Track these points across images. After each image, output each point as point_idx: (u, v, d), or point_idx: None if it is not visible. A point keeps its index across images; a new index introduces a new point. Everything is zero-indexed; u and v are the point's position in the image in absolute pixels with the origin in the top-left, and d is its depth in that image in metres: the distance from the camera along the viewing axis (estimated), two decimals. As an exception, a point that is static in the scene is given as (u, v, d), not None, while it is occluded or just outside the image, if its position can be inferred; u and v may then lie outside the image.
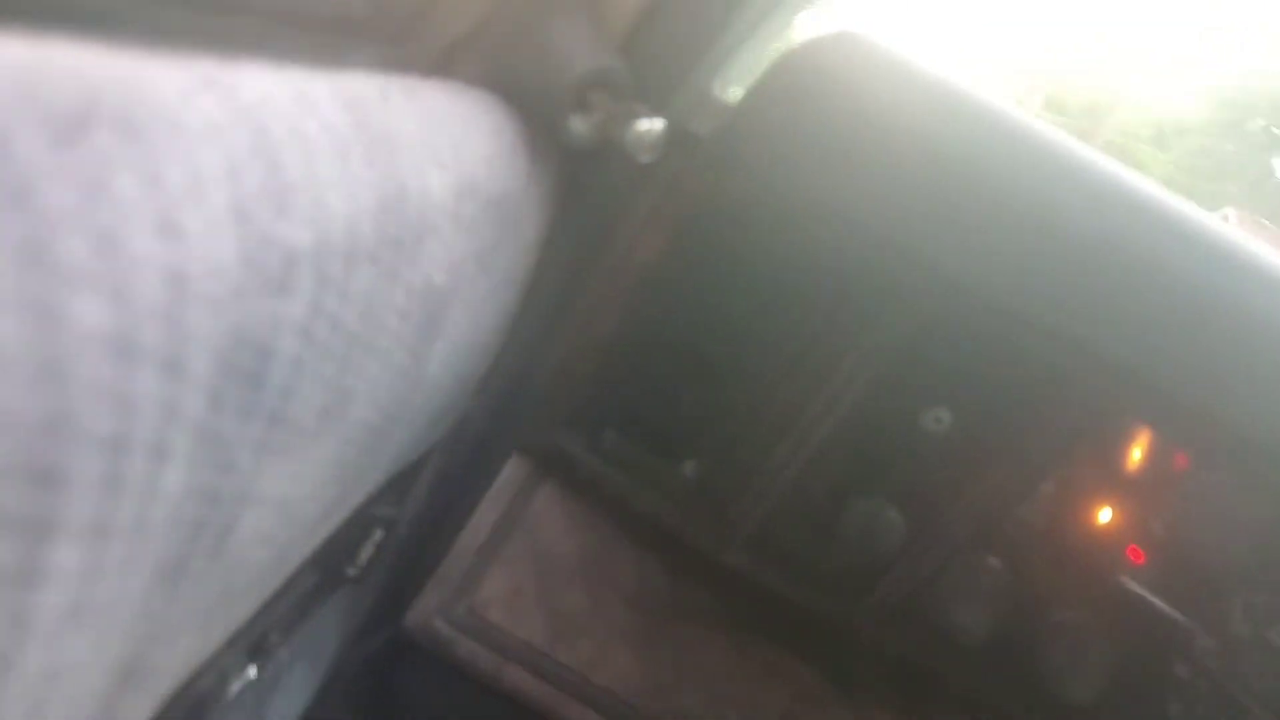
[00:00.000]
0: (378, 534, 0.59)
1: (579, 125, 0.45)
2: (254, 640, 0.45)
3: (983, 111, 0.55)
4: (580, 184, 0.54)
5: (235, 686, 0.47)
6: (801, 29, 0.61)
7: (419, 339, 0.36)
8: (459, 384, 0.52)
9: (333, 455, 0.33)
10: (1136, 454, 0.60)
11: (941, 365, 0.58)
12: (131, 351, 0.18)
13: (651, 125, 0.43)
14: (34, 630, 0.18)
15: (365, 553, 0.58)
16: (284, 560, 0.36)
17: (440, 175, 0.34)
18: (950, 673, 0.66)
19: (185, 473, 0.22)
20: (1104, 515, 0.61)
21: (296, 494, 0.31)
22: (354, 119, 0.29)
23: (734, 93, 0.59)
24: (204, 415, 0.22)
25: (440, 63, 0.45)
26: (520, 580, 0.66)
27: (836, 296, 0.58)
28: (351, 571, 0.58)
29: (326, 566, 0.51)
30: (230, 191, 0.22)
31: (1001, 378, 0.57)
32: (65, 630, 0.19)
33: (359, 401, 0.33)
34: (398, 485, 0.60)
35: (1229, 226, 0.58)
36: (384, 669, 0.72)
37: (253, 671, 0.47)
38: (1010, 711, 0.66)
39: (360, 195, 0.28)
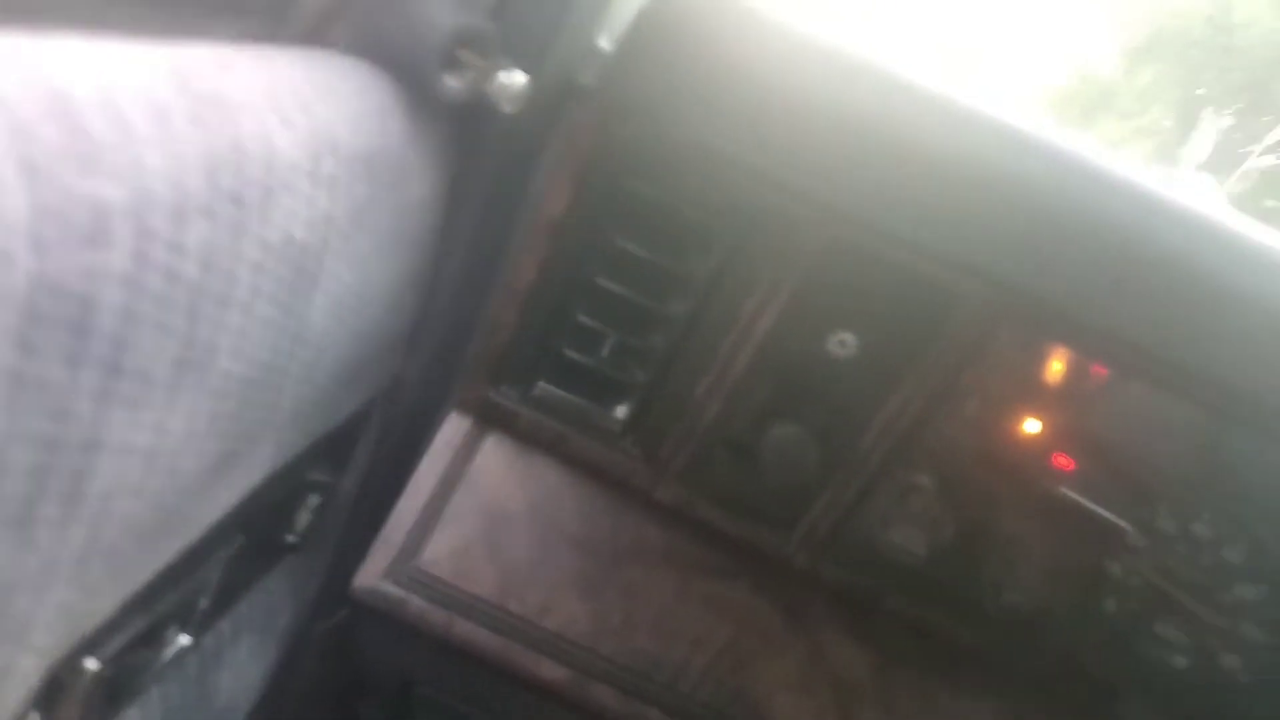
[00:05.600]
0: (314, 500, 0.60)
1: (453, 83, 0.46)
2: (179, 605, 0.47)
3: (835, 53, 0.57)
4: (476, 142, 0.55)
5: (168, 652, 0.48)
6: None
7: (288, 293, 0.38)
8: (370, 342, 0.53)
9: (205, 408, 0.35)
10: (1057, 365, 0.62)
11: (843, 292, 0.59)
12: None
13: (512, 78, 0.45)
14: None
15: (302, 519, 0.60)
16: (175, 515, 0.38)
17: (289, 134, 0.35)
18: (891, 593, 0.68)
19: (1, 415, 0.24)
20: (1031, 426, 0.63)
21: (165, 445, 0.33)
22: (177, 83, 0.30)
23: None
24: (13, 360, 0.23)
25: (310, 34, 0.46)
26: (467, 536, 0.67)
27: (738, 234, 0.59)
28: (291, 539, 0.60)
29: (255, 532, 0.53)
30: (18, 151, 0.23)
31: (900, 299, 0.59)
32: None
33: (223, 353, 0.34)
34: (332, 450, 0.61)
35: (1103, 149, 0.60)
36: (344, 637, 0.74)
37: (184, 639, 0.49)
38: (953, 626, 0.69)
39: (183, 153, 0.29)
